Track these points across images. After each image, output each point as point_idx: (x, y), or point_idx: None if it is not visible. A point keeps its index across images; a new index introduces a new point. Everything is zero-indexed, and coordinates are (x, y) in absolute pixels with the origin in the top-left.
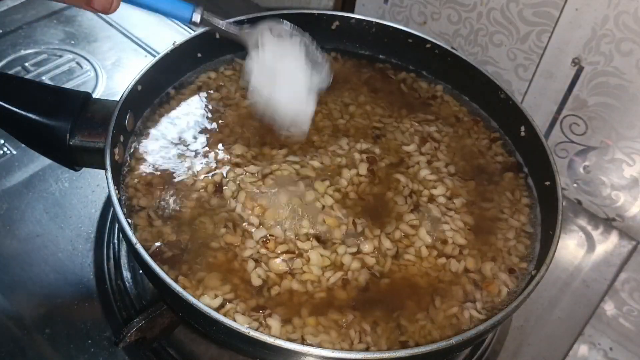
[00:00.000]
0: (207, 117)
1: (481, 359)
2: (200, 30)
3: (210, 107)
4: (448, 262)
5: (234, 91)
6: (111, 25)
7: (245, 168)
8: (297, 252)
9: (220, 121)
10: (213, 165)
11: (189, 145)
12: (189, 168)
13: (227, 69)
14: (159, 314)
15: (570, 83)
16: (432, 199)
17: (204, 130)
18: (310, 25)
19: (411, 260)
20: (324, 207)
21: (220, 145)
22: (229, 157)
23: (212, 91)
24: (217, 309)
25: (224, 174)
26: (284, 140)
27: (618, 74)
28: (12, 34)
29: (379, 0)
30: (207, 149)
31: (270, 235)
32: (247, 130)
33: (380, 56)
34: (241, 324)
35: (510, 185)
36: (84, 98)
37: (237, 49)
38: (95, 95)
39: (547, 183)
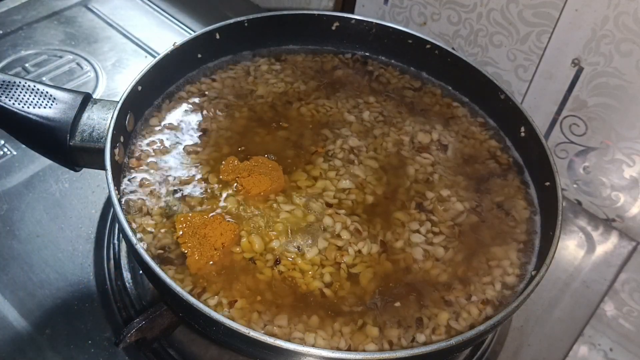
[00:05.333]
0: (208, 119)
1: None
2: (200, 30)
3: (210, 108)
4: (445, 264)
5: (235, 93)
6: (111, 26)
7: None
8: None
9: (220, 124)
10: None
11: (189, 146)
12: (188, 168)
13: (228, 70)
14: (159, 315)
15: (570, 84)
16: (431, 198)
17: (204, 132)
18: (310, 26)
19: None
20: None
21: (218, 147)
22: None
23: (213, 92)
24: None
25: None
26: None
27: (618, 75)
28: (13, 35)
29: (379, 1)
30: (206, 150)
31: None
32: (247, 133)
33: (380, 57)
34: (241, 325)
35: (509, 185)
36: (84, 98)
37: (238, 50)
38: (95, 96)
39: (547, 183)
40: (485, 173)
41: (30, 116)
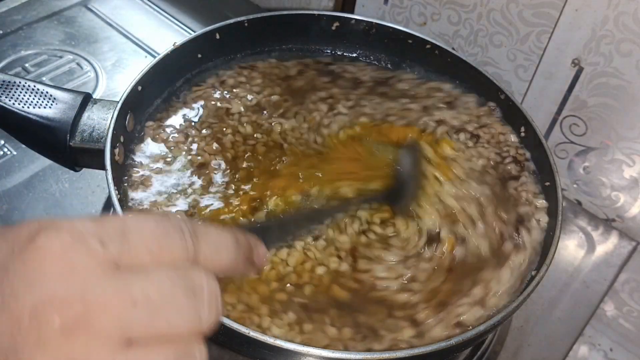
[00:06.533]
0: (208, 120)
1: None
2: (200, 30)
3: (211, 109)
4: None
5: (235, 94)
6: (111, 26)
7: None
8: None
9: (220, 125)
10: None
11: (189, 146)
12: (189, 169)
13: (228, 70)
14: None
15: (570, 84)
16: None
17: (204, 133)
18: (310, 26)
19: None
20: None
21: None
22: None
23: (213, 93)
24: None
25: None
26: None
27: (618, 75)
28: (12, 35)
29: (379, 1)
30: (206, 150)
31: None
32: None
33: (381, 57)
34: (241, 325)
35: (509, 185)
36: (84, 98)
37: (238, 50)
38: (95, 96)
39: (547, 183)
40: (484, 171)
41: (30, 116)
